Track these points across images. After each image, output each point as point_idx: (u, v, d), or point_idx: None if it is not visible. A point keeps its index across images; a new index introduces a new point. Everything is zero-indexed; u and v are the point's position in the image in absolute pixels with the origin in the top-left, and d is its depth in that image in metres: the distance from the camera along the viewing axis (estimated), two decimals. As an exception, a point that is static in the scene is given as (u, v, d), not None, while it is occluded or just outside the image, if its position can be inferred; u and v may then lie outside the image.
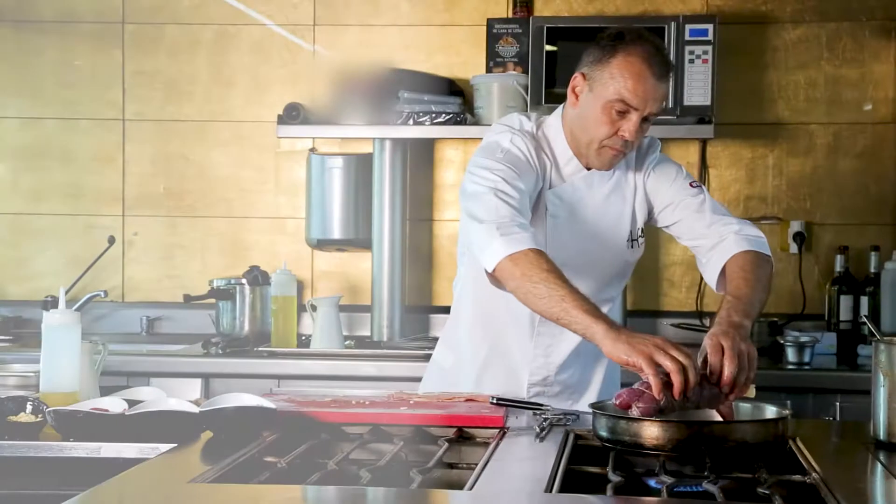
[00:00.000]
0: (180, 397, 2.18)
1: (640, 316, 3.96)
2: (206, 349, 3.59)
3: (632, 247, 2.52)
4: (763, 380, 3.33)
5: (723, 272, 2.40)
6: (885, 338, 2.07)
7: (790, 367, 3.44)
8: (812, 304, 3.91)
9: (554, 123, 2.47)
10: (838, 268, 3.82)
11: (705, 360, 2.07)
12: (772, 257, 2.44)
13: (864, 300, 3.76)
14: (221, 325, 3.86)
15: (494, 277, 2.26)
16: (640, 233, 2.53)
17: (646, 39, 2.33)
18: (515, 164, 2.36)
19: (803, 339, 3.47)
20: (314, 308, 3.66)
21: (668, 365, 1.97)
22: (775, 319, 3.79)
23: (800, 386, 3.35)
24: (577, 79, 2.38)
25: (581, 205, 2.46)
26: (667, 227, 2.53)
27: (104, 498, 1.61)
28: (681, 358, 1.98)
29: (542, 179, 2.43)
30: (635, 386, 2.02)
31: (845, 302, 3.78)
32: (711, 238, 2.43)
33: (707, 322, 3.84)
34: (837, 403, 3.29)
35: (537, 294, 2.15)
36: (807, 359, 3.44)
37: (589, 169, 2.46)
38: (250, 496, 1.66)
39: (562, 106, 2.47)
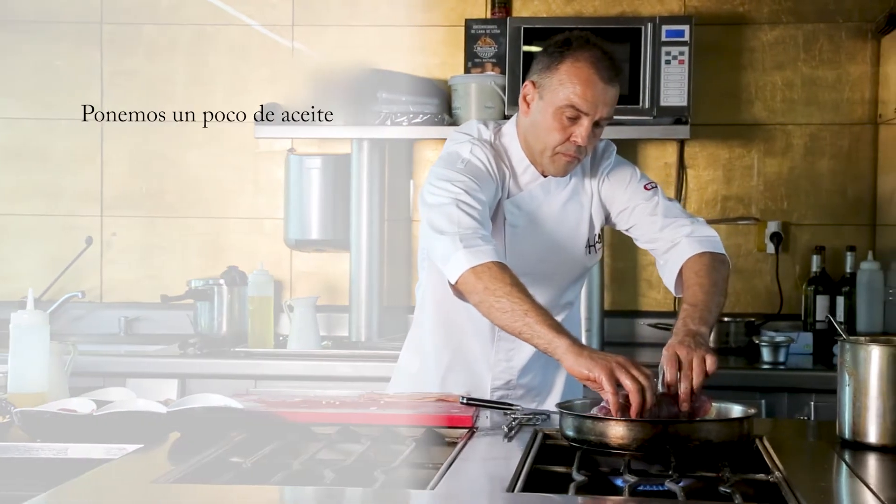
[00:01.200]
0: (157, 398, 2.18)
1: (619, 316, 3.97)
2: (183, 350, 3.59)
3: (590, 252, 2.53)
4: (738, 379, 3.40)
5: (680, 274, 2.41)
6: (851, 338, 2.09)
7: (765, 366, 3.45)
8: (789, 304, 3.92)
9: (509, 132, 2.47)
10: (815, 268, 3.84)
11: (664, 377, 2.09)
12: (726, 255, 2.46)
13: (840, 300, 3.78)
14: (199, 326, 3.86)
15: (457, 289, 2.27)
16: (597, 238, 2.54)
17: (593, 44, 2.34)
18: (476, 174, 2.37)
19: (778, 339, 3.48)
20: (291, 309, 3.66)
21: (627, 384, 1.99)
22: (752, 319, 3.80)
23: (775, 386, 3.36)
24: (527, 87, 2.39)
25: (539, 213, 2.46)
26: (625, 230, 2.54)
27: (64, 499, 1.61)
28: (640, 378, 2.01)
29: (500, 189, 2.43)
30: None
31: (821, 302, 3.79)
32: (664, 242, 2.45)
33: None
34: (812, 403, 3.31)
35: (500, 308, 2.16)
36: (782, 358, 3.45)
37: (546, 176, 2.46)
38: (210, 496, 1.66)
39: (516, 114, 2.47)
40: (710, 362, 2.09)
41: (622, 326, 3.96)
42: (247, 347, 3.65)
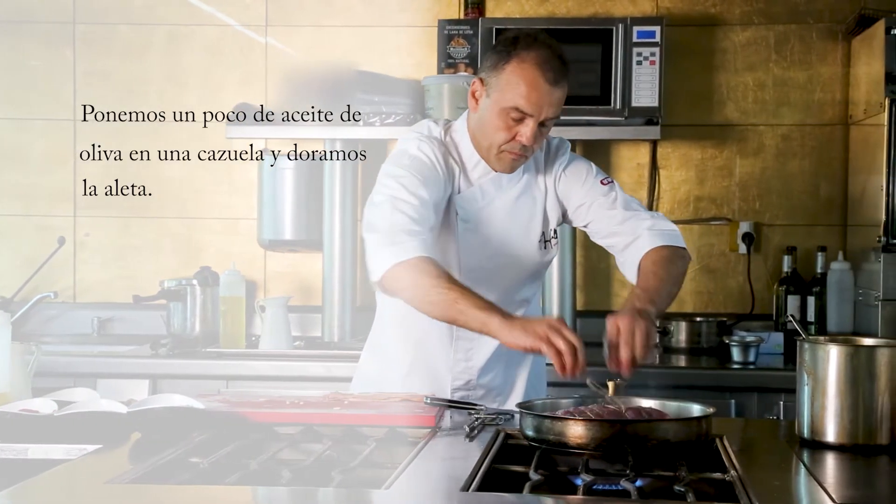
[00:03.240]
0: (128, 399, 2.18)
1: (592, 316, 3.96)
2: (155, 350, 3.58)
3: (544, 248, 2.53)
4: (708, 379, 3.42)
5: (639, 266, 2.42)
6: (810, 337, 2.10)
7: (735, 366, 3.46)
8: (761, 304, 3.94)
9: (460, 128, 2.49)
10: (786, 268, 3.86)
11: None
12: (686, 250, 2.47)
13: (811, 300, 3.80)
14: (172, 326, 3.85)
15: (384, 287, 2.28)
16: (553, 234, 2.54)
17: (541, 43, 2.34)
18: (420, 170, 2.37)
19: (748, 338, 3.50)
20: (263, 309, 3.66)
21: (560, 345, 2.06)
22: (724, 319, 3.82)
23: (744, 385, 3.38)
24: (475, 84, 2.40)
25: (491, 208, 2.47)
26: (583, 226, 2.54)
27: (17, 499, 1.61)
28: (573, 340, 2.07)
29: (450, 185, 2.44)
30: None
31: (792, 302, 3.81)
32: (625, 235, 2.45)
33: (657, 323, 3.86)
34: (781, 403, 3.32)
35: (430, 301, 2.20)
36: (752, 358, 3.47)
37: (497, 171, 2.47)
38: (162, 497, 1.65)
39: (467, 111, 2.48)
40: (652, 334, 2.15)
41: (595, 326, 3.91)
42: (219, 348, 3.64)
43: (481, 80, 2.39)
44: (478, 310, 2.14)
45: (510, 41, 2.35)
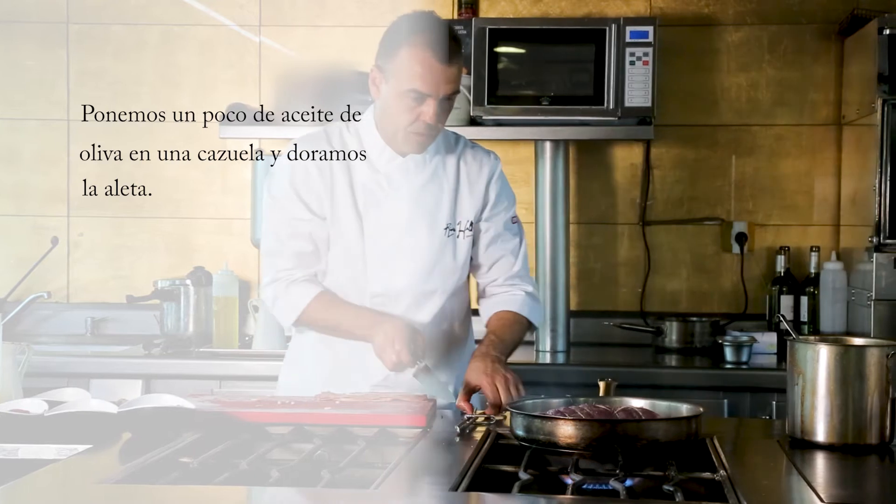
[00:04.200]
0: (121, 399, 2.18)
1: (585, 316, 3.98)
2: (148, 350, 3.58)
3: (449, 236, 2.55)
4: (701, 379, 3.43)
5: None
6: (800, 337, 2.10)
7: (728, 366, 3.47)
8: (754, 304, 3.94)
9: (367, 117, 2.56)
10: (779, 268, 3.86)
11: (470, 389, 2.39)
12: (534, 326, 2.66)
13: (804, 300, 3.81)
14: (166, 326, 3.85)
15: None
16: (468, 225, 2.57)
17: (429, 24, 2.41)
18: (300, 189, 2.51)
19: (741, 338, 3.50)
20: (256, 309, 3.66)
21: (392, 359, 2.36)
22: (717, 319, 3.82)
23: (737, 385, 3.38)
24: (374, 72, 2.47)
25: (397, 194, 2.52)
26: (476, 242, 2.61)
27: (5, 499, 1.61)
28: (404, 356, 2.35)
29: (346, 176, 2.50)
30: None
31: (786, 302, 3.81)
32: (502, 287, 2.62)
33: (650, 322, 3.87)
34: (774, 402, 3.32)
35: (335, 333, 2.52)
36: (744, 358, 3.47)
37: (404, 156, 2.52)
38: (152, 496, 1.65)
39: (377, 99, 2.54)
40: (514, 379, 2.37)
41: (588, 326, 3.97)
42: (212, 348, 3.64)
43: (378, 68, 2.45)
44: (358, 336, 2.47)
45: (399, 26, 2.42)
